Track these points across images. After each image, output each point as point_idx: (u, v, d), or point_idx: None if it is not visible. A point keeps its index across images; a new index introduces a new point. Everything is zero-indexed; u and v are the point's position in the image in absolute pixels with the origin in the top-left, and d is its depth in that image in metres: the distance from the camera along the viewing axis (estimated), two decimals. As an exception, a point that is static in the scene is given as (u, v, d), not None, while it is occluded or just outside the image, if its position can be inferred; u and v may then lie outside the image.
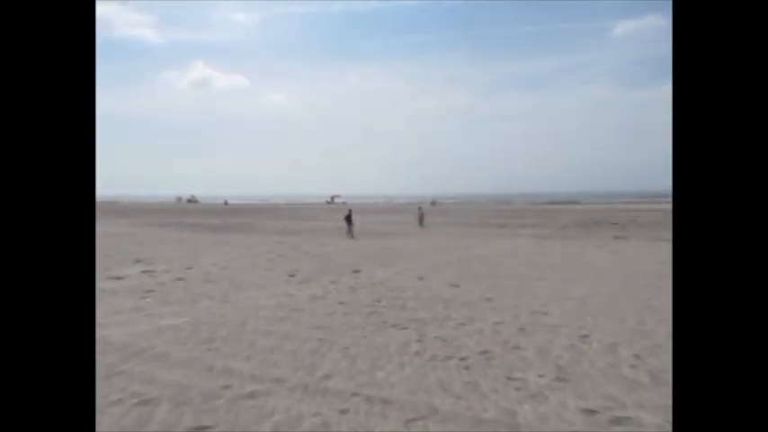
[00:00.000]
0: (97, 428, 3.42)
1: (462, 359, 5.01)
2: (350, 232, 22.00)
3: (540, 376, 4.54)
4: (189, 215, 40.93)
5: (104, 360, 4.91)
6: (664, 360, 4.91)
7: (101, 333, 5.90)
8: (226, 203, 77.76)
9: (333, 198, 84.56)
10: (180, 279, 10.11)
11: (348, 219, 22.60)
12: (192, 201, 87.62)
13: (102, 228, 25.59)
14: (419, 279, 10.14)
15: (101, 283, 9.42)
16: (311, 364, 4.87)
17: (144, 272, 11.09)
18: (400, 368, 4.75)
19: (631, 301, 7.73)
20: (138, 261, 12.88)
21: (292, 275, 10.59)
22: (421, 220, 28.20)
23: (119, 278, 10.22)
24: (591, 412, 3.79)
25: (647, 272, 10.82)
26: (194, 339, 5.69)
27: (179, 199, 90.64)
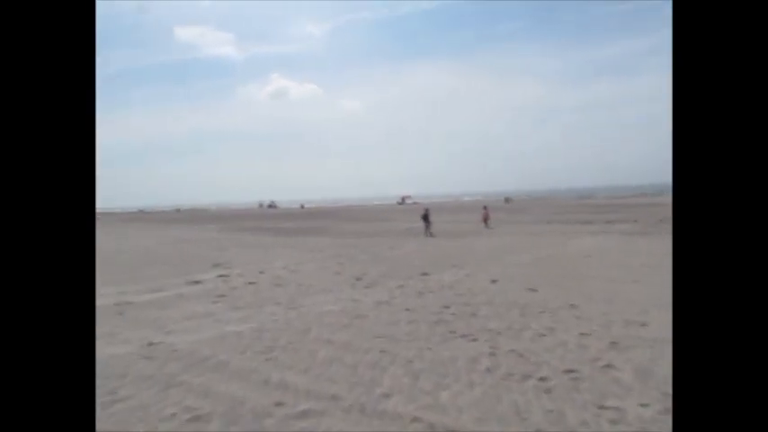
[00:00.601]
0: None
1: (542, 379, 4.33)
2: (428, 231, 21.92)
3: (643, 406, 3.74)
4: (268, 220, 42.94)
5: (166, 369, 4.91)
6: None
7: (169, 340, 6.00)
8: (302, 207, 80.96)
9: (404, 199, 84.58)
10: (251, 283, 10.30)
11: (425, 218, 22.55)
12: (272, 206, 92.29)
13: (191, 234, 27.59)
14: (492, 282, 9.41)
15: (180, 289, 9.86)
16: (370, 379, 4.47)
17: (220, 276, 11.49)
18: (469, 388, 4.19)
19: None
20: (216, 265, 13.45)
21: (359, 279, 10.35)
22: (486, 220, 26.34)
23: (197, 282, 10.65)
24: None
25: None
26: (255, 347, 5.56)
27: (260, 204, 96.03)
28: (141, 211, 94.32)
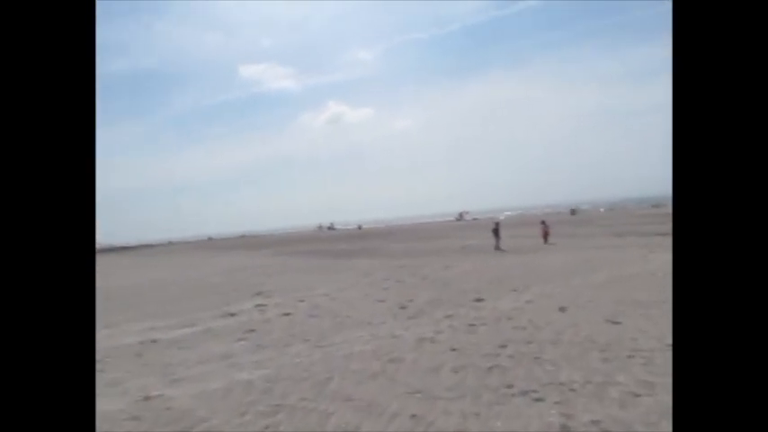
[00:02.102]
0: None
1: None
2: (498, 245, 21.40)
3: None
4: (323, 242, 42.83)
5: (146, 438, 3.99)
6: None
7: (169, 392, 5.13)
8: (359, 228, 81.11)
9: (461, 215, 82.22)
10: (286, 314, 9.42)
11: (496, 232, 22.27)
12: (330, 228, 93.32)
13: (246, 260, 27.72)
14: (560, 310, 7.83)
15: (212, 322, 9.18)
16: (392, 465, 3.26)
17: (257, 305, 10.76)
18: (533, 489, 2.86)
19: None
20: (258, 294, 12.82)
21: (403, 307, 9.14)
22: (545, 236, 23.59)
23: (232, 314, 9.96)
24: None
25: None
26: (260, 406, 4.53)
27: (320, 227, 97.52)
28: (209, 239, 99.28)
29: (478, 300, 9.30)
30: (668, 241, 19.92)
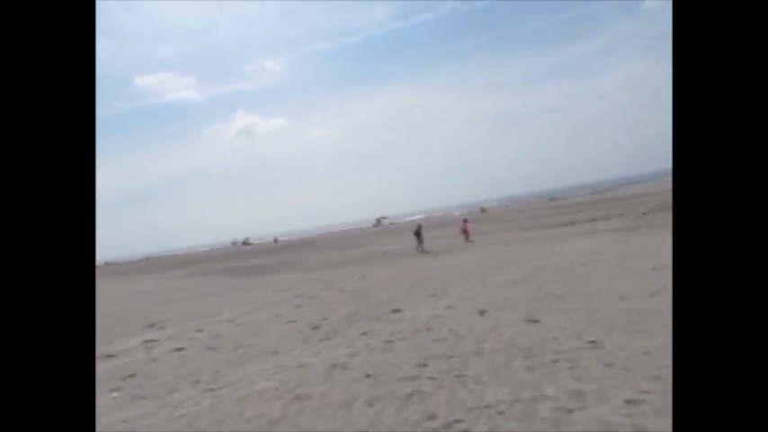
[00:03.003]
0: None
1: None
2: (420, 247, 21.38)
3: None
4: (236, 259, 40.08)
5: None
6: None
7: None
8: (276, 241, 78.02)
9: (379, 220, 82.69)
10: (179, 350, 8.05)
11: (417, 234, 22.11)
12: (246, 243, 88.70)
13: (147, 285, 24.78)
14: (480, 314, 7.47)
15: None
16: None
17: (145, 342, 9.17)
18: None
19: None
20: (150, 326, 11.07)
21: (316, 327, 8.24)
22: (465, 233, 23.98)
23: (110, 356, 8.32)
24: None
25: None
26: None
27: (234, 243, 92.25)
28: (107, 264, 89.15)
29: (396, 311, 8.70)
30: (572, 230, 21.18)
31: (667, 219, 19.38)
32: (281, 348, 7.08)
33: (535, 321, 6.51)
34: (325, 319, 8.93)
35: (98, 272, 53.25)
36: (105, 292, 23.48)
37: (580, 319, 6.26)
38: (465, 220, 25.92)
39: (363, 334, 7.25)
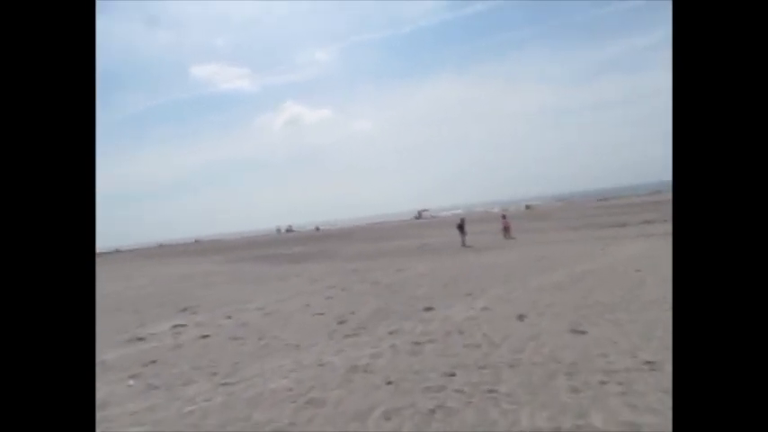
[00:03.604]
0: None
1: None
2: (464, 241, 21.38)
3: None
4: (278, 246, 40.74)
5: None
6: None
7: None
8: (317, 229, 79.11)
9: (420, 213, 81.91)
10: (204, 337, 7.94)
11: (461, 227, 22.21)
12: (289, 230, 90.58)
13: (194, 268, 25.50)
14: (518, 319, 6.83)
15: (110, 352, 7.51)
16: None
17: (175, 326, 9.17)
18: None
19: None
20: (183, 310, 11.17)
21: (343, 322, 7.89)
22: (506, 230, 23.31)
23: (140, 339, 8.35)
24: None
25: None
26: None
27: (278, 230, 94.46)
28: (161, 246, 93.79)
29: (428, 309, 8.18)
30: (624, 232, 19.75)
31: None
32: (304, 343, 6.77)
33: (582, 332, 5.81)
34: (353, 313, 8.57)
35: (149, 253, 56.23)
36: (151, 273, 24.42)
37: (635, 334, 5.50)
38: (504, 216, 24.95)
39: (391, 333, 6.80)
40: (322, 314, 8.85)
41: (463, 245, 21.08)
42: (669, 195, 53.51)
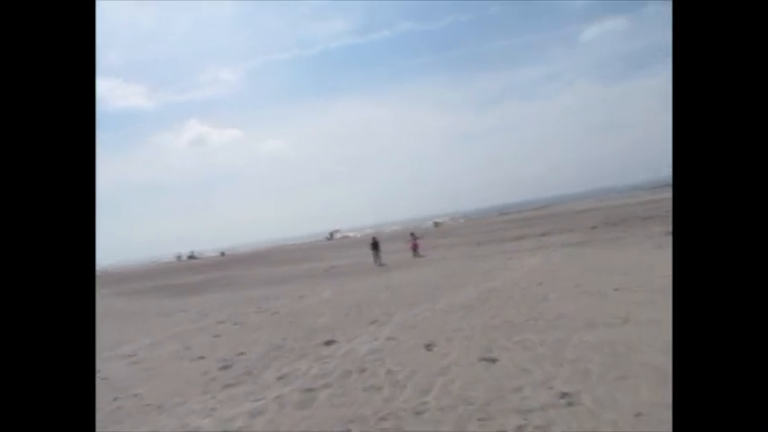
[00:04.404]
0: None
1: None
2: (377, 260, 20.86)
3: None
4: (173, 275, 36.84)
5: None
6: None
7: None
8: (223, 255, 74.13)
9: (332, 234, 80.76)
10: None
11: (375, 246, 21.62)
12: (191, 257, 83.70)
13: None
14: (426, 348, 6.17)
15: None
16: None
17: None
18: None
19: None
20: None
21: (226, 367, 6.62)
22: (415, 249, 23.14)
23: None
24: None
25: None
26: None
27: (179, 257, 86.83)
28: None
29: (329, 342, 7.24)
30: (523, 245, 20.60)
31: (617, 233, 19.20)
32: (170, 401, 5.42)
33: (492, 361, 5.27)
34: (242, 354, 7.32)
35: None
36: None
37: (546, 358, 5.08)
38: (412, 234, 24.98)
39: (280, 378, 5.73)
40: (203, 358, 7.46)
41: (377, 263, 20.57)
42: (561, 208, 58.56)
